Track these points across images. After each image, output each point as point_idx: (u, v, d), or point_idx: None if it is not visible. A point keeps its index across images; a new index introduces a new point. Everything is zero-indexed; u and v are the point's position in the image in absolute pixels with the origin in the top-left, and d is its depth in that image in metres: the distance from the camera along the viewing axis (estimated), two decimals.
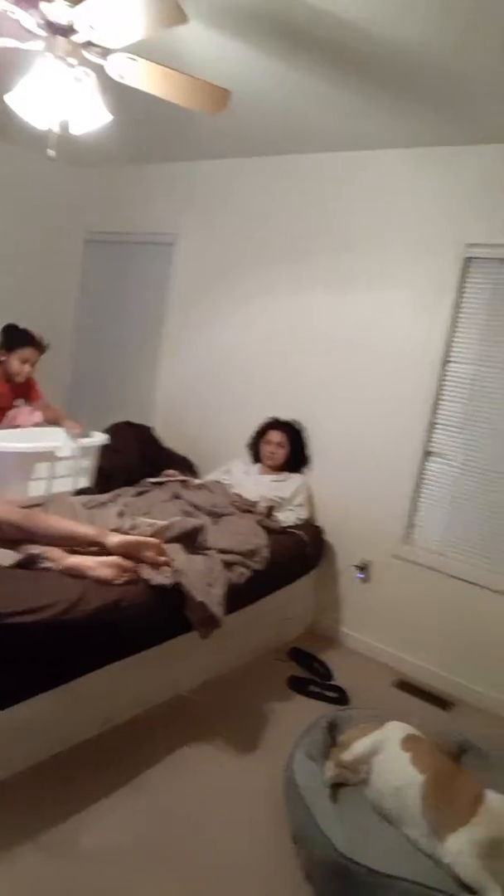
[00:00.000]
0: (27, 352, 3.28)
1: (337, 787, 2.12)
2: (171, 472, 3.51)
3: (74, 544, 2.32)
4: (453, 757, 2.27)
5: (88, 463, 3.22)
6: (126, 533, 2.53)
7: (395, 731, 2.17)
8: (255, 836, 2.03)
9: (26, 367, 3.31)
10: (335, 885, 1.75)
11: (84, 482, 3.19)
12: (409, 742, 2.12)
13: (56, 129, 2.17)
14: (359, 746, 2.14)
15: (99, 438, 3.27)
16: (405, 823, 1.95)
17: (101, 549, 2.32)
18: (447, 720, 2.84)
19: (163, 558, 2.37)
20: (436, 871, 1.80)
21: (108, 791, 2.09)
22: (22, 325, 3.35)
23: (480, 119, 2.69)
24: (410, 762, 2.03)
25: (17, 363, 3.28)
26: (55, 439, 3.04)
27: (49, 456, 2.93)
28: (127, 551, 2.32)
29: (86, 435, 3.22)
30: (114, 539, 2.34)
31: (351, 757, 2.13)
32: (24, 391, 3.43)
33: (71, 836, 1.89)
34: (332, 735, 2.31)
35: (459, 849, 1.77)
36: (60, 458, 2.99)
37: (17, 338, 3.29)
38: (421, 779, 1.97)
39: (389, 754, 2.09)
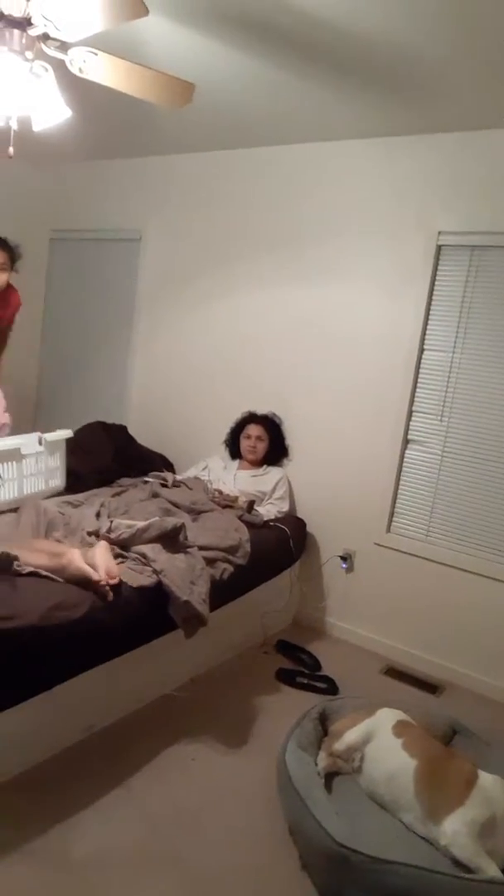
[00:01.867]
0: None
1: (331, 776, 2.13)
2: (161, 474, 3.43)
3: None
4: (444, 740, 2.30)
5: (58, 462, 3.05)
6: (107, 535, 2.50)
7: (386, 718, 2.19)
8: (250, 830, 2.02)
9: (3, 275, 3.05)
10: (333, 874, 1.75)
11: (56, 482, 3.05)
12: (400, 728, 2.14)
13: (14, 126, 2.12)
14: (350, 735, 2.15)
15: (63, 433, 3.07)
16: (400, 809, 1.97)
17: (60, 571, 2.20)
18: (437, 704, 2.87)
19: (111, 582, 2.21)
20: (433, 853, 1.82)
21: (98, 796, 2.06)
22: None
23: (445, 108, 2.70)
24: (402, 748, 2.05)
25: None
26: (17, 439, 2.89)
27: (14, 454, 2.77)
28: (80, 583, 2.17)
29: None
30: (69, 569, 2.19)
31: (343, 746, 2.14)
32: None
33: (61, 844, 1.86)
34: (324, 725, 2.32)
35: (455, 830, 1.79)
36: (25, 456, 2.83)
37: None
38: (413, 764, 1.99)
39: (381, 741, 2.11)
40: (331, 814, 1.84)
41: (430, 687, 3.04)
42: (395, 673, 3.14)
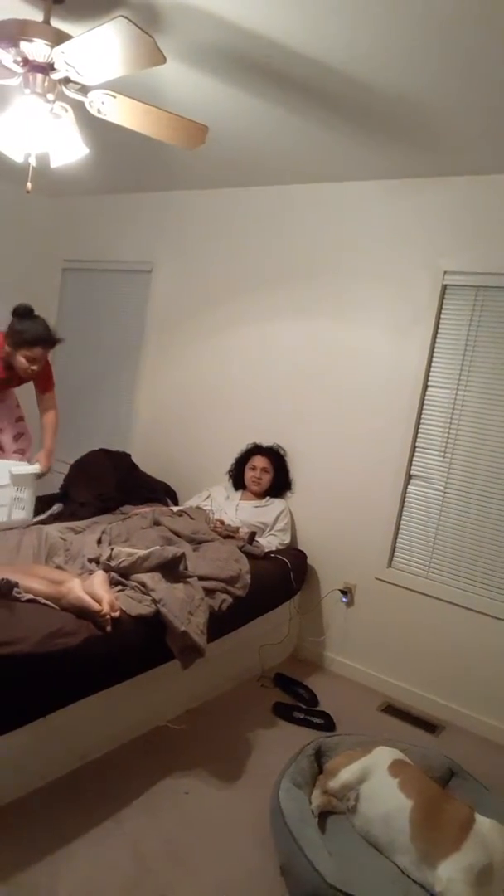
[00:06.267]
0: (36, 351, 2.94)
1: (325, 815, 2.10)
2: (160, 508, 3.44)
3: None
4: (442, 782, 2.27)
5: (26, 494, 2.99)
6: (107, 562, 2.50)
7: (382, 757, 2.16)
8: (242, 867, 1.98)
9: (34, 367, 2.98)
10: None
11: (22, 515, 2.98)
12: (396, 767, 2.11)
13: (33, 162, 2.20)
14: (346, 773, 2.12)
15: (32, 468, 3.03)
16: (395, 851, 1.93)
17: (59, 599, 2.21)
18: (435, 744, 2.82)
19: (114, 615, 2.21)
20: None
21: (89, 828, 2.03)
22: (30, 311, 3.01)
23: (452, 152, 2.77)
24: (398, 788, 2.02)
25: (23, 361, 2.95)
26: None
27: None
28: (78, 612, 2.17)
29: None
30: (69, 597, 2.19)
31: (338, 784, 2.11)
32: (34, 378, 3.19)
33: (49, 879, 1.83)
34: (319, 762, 2.29)
35: (450, 876, 1.76)
36: None
37: (28, 334, 2.92)
38: (409, 805, 1.96)
39: (377, 781, 2.08)
40: (323, 854, 1.81)
41: (428, 726, 3.00)
42: (394, 711, 3.10)
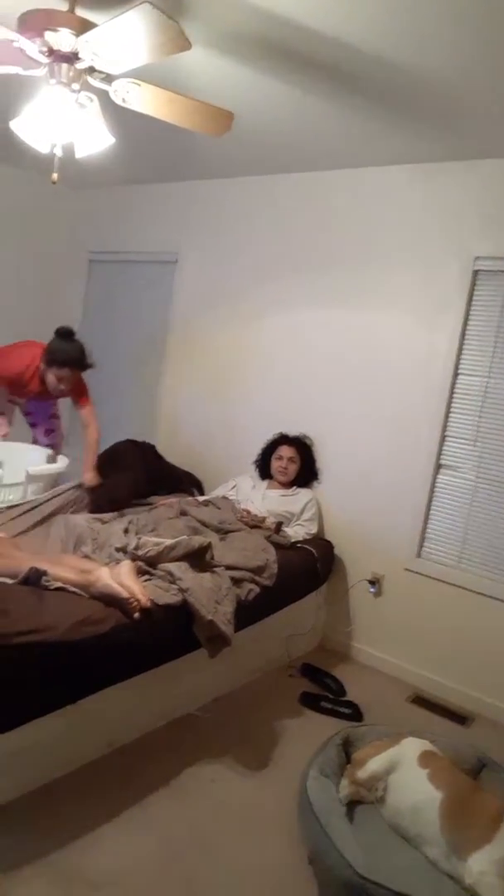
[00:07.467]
0: (64, 372, 3.12)
1: (353, 805, 2.09)
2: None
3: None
4: (472, 774, 2.24)
5: (38, 487, 3.11)
6: (134, 552, 2.52)
7: (411, 748, 2.14)
8: (269, 857, 1.99)
9: (61, 386, 3.16)
10: None
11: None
12: (425, 759, 2.09)
13: (59, 153, 2.20)
14: (374, 764, 2.11)
15: (54, 466, 3.17)
16: (424, 843, 1.92)
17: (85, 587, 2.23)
18: (465, 736, 2.79)
19: (141, 604, 2.21)
20: (458, 892, 1.76)
21: (116, 813, 2.06)
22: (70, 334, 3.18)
23: (483, 135, 2.71)
24: (428, 779, 2.00)
25: (52, 379, 3.14)
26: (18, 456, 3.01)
27: None
28: (106, 600, 2.18)
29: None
30: (97, 585, 2.21)
31: (366, 774, 2.10)
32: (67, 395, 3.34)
33: (77, 861, 1.86)
34: (347, 752, 2.28)
35: (482, 869, 1.74)
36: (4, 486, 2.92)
37: (59, 354, 3.10)
38: (439, 796, 1.94)
39: (406, 771, 2.06)
40: (353, 844, 1.81)
41: (458, 717, 2.97)
42: (422, 701, 3.07)
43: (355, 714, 2.83)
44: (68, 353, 3.11)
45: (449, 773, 2.04)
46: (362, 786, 2.10)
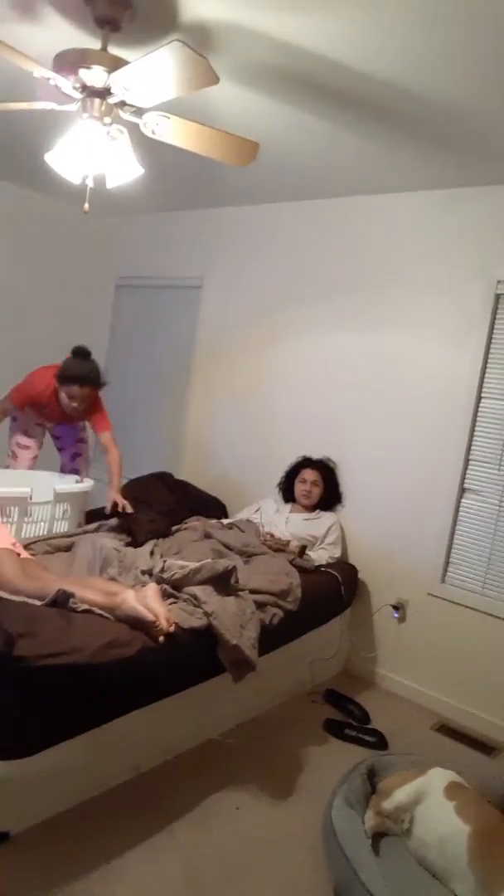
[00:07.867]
0: (74, 389, 3.10)
1: (378, 837, 2.05)
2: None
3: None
4: (500, 807, 2.18)
5: (68, 508, 3.13)
6: (160, 575, 2.52)
7: (437, 779, 2.09)
8: (293, 887, 1.96)
9: (73, 404, 3.13)
10: None
11: (63, 527, 3.11)
12: (452, 790, 2.04)
13: (91, 184, 2.26)
14: (400, 794, 2.07)
15: (81, 486, 3.20)
16: (452, 878, 1.87)
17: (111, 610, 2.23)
18: (492, 767, 2.73)
19: (170, 630, 2.21)
20: None
21: (139, 840, 2.04)
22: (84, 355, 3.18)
23: (503, 161, 2.73)
24: (455, 812, 1.96)
25: (64, 397, 3.13)
26: (43, 483, 3.03)
27: (20, 500, 2.85)
28: (132, 623, 2.19)
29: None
30: (123, 608, 2.21)
31: (392, 805, 2.06)
32: (83, 417, 3.36)
33: (102, 888, 1.84)
34: (372, 782, 2.24)
35: None
36: (34, 504, 2.95)
37: (69, 371, 3.10)
38: (467, 830, 1.89)
39: (433, 803, 2.02)
40: (378, 878, 1.77)
41: (485, 748, 2.90)
42: (448, 730, 3.02)
43: (380, 742, 2.79)
44: (77, 370, 3.11)
45: (476, 806, 1.99)
46: (388, 817, 2.06)
